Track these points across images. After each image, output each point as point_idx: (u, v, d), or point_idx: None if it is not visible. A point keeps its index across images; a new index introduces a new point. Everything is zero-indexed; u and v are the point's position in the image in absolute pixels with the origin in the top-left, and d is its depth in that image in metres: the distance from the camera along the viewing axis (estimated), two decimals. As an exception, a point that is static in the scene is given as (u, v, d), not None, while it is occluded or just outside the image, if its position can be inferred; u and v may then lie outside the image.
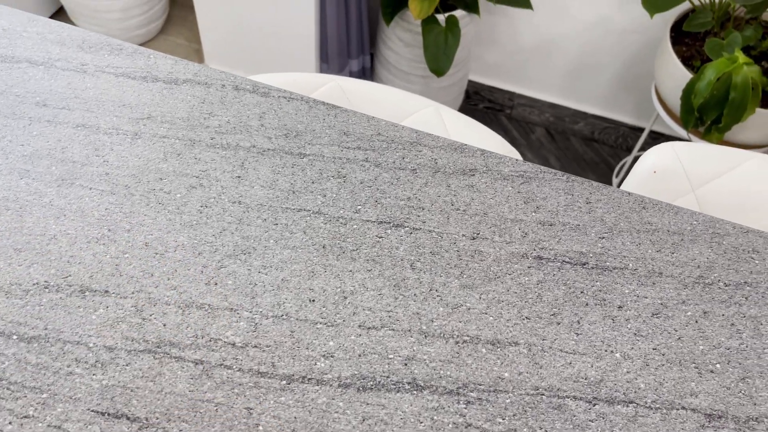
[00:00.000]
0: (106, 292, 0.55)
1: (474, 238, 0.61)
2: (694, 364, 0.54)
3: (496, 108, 2.19)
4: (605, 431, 0.50)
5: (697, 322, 0.57)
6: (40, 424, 0.48)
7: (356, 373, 0.52)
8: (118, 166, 0.64)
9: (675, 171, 0.86)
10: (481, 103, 2.18)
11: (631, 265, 0.60)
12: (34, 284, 0.55)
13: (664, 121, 1.48)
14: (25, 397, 0.49)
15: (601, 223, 0.63)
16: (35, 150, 0.64)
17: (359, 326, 0.55)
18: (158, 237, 0.59)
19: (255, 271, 0.58)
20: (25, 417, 0.48)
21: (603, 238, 0.62)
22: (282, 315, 0.55)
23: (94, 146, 0.65)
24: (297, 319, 0.55)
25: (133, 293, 0.55)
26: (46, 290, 0.55)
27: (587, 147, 2.14)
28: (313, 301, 0.56)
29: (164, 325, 0.54)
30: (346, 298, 0.56)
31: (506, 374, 0.53)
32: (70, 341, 0.52)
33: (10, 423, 0.48)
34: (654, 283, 0.59)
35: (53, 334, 0.53)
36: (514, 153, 0.85)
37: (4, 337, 0.52)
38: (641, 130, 1.99)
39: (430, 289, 0.57)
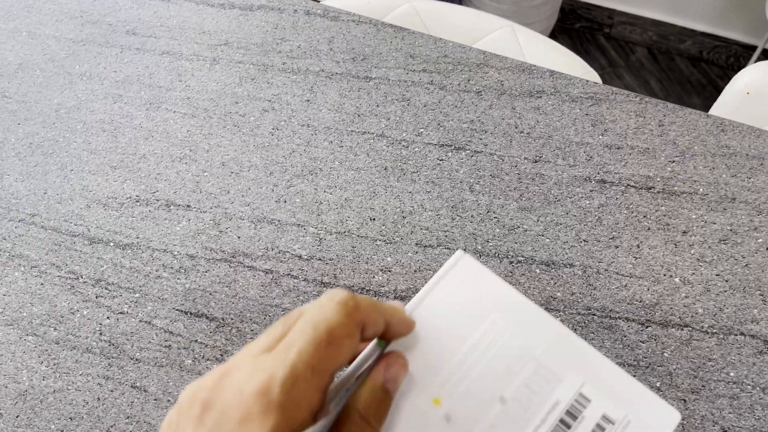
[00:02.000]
0: (188, 206, 0.61)
1: (536, 161, 0.61)
2: (759, 292, 0.53)
3: (594, 27, 2.06)
4: (656, 352, 0.51)
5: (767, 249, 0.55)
6: (133, 320, 0.55)
7: (411, 286, 0.55)
8: (198, 90, 0.68)
9: (772, 92, 0.80)
10: (577, 23, 2.06)
11: (701, 189, 0.58)
12: (127, 198, 0.62)
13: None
14: (121, 296, 0.57)
15: (672, 147, 0.61)
16: (126, 76, 0.70)
17: (416, 244, 0.57)
18: (234, 157, 0.63)
19: (321, 190, 0.61)
20: (121, 313, 0.56)
21: (673, 162, 0.60)
22: (344, 231, 0.58)
23: (177, 72, 0.70)
24: (358, 235, 0.58)
25: (211, 208, 0.61)
26: (138, 203, 0.61)
27: (694, 68, 1.98)
28: (374, 219, 0.59)
29: (239, 237, 0.59)
30: (404, 217, 0.59)
31: (558, 294, 0.54)
32: (158, 249, 0.59)
33: (108, 318, 0.56)
34: (725, 209, 0.57)
35: (144, 243, 0.59)
36: (592, 74, 0.82)
37: (103, 243, 0.59)
38: (754, 48, 1.81)
39: (488, 211, 0.59)
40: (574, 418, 0.33)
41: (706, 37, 1.93)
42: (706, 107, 1.80)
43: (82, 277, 0.58)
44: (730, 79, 1.85)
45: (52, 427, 0.51)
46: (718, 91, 1.86)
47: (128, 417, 0.51)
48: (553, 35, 2.05)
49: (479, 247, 0.57)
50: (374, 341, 0.33)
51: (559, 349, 0.35)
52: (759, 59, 1.77)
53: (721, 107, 0.82)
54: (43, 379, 0.53)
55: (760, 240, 0.55)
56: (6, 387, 0.53)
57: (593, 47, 2.07)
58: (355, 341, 0.29)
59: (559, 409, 0.33)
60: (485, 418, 0.33)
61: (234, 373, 0.27)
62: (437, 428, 0.33)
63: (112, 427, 0.51)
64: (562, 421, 0.33)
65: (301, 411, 0.27)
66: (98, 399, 0.52)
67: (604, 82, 1.85)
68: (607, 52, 2.07)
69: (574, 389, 0.34)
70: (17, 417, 0.52)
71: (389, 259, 0.57)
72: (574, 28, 2.07)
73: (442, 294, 0.37)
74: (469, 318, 0.36)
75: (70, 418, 0.51)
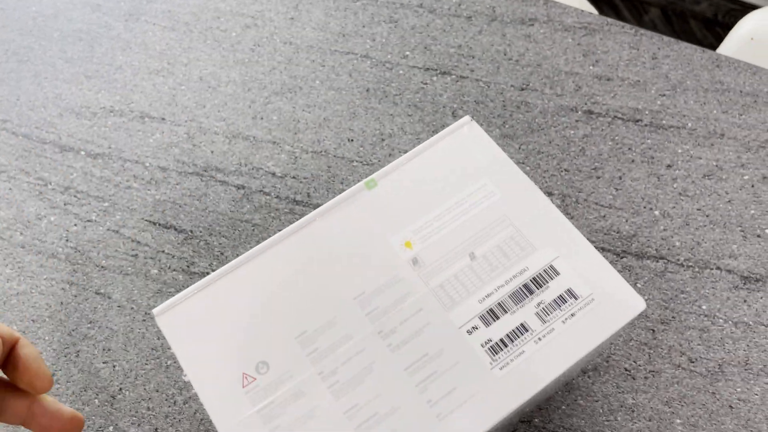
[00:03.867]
0: (163, 119, 0.59)
1: (523, 89, 0.59)
2: (740, 228, 0.51)
3: (605, -17, 2.01)
4: (628, 282, 0.50)
5: (753, 186, 0.53)
6: (100, 228, 0.54)
7: (385, 207, 0.54)
8: (180, 3, 0.66)
9: (776, 38, 0.77)
10: (588, -21, 2.01)
11: (690, 124, 0.56)
12: (101, 108, 0.60)
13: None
14: (89, 204, 0.55)
15: (664, 80, 0.59)
16: (106, -14, 0.68)
17: (393, 165, 0.56)
18: (212, 72, 0.62)
19: (299, 108, 0.59)
20: (89, 221, 0.55)
21: (664, 95, 0.58)
22: (321, 151, 0.57)
23: (159, -16, 0.67)
24: (335, 155, 0.57)
25: (186, 122, 0.59)
26: (111, 114, 0.60)
27: (708, 31, 1.93)
28: (352, 140, 0.57)
29: (212, 152, 0.57)
30: (383, 140, 0.57)
31: (534, 221, 0.53)
32: (130, 159, 0.57)
33: (75, 225, 0.55)
34: (712, 144, 0.55)
35: (116, 153, 0.58)
36: (591, 10, 0.79)
37: (74, 152, 0.58)
38: (770, 11, 1.76)
39: (469, 136, 0.57)
40: (539, 286, 0.33)
41: (721, -1, 1.87)
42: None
43: (50, 184, 0.56)
44: (740, 42, 1.81)
45: (15, 327, 0.51)
46: (728, 54, 1.81)
47: (90, 322, 0.50)
48: (563, -9, 2.00)
49: (457, 172, 0.55)
50: None
51: (541, 223, 0.35)
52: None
53: (724, 52, 0.79)
54: (7, 281, 0.52)
55: (746, 177, 0.54)
56: (-30, 288, 0.53)
57: (606, 6, 2.02)
58: None
59: (526, 275, 0.34)
60: (450, 268, 0.34)
61: None
62: (402, 269, 0.34)
63: (73, 330, 0.50)
64: (525, 286, 0.33)
65: None
66: (61, 303, 0.51)
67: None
68: (619, 11, 2.02)
69: (545, 260, 0.34)
70: (-20, 317, 0.51)
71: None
72: (585, -15, 2.02)
73: (442, 151, 0.37)
74: (461, 176, 0.36)
75: (32, 320, 0.51)
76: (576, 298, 0.32)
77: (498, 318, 0.32)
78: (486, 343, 0.32)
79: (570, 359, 0.31)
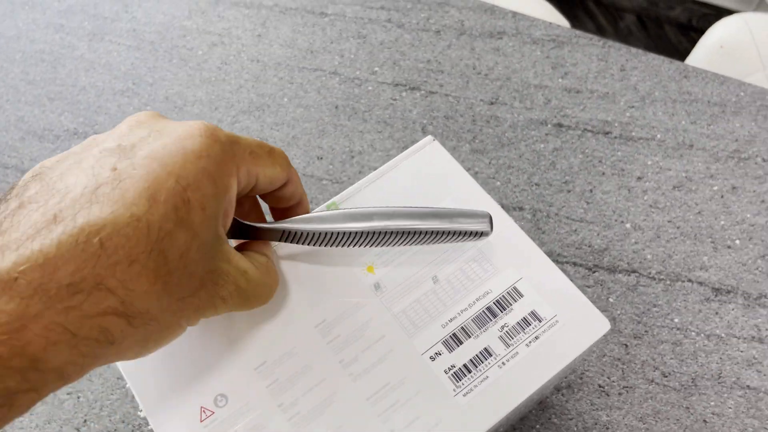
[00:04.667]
0: (128, 140, 0.58)
1: (492, 103, 0.59)
2: (710, 239, 0.51)
3: (581, -8, 2.03)
4: (601, 297, 0.49)
5: (722, 197, 0.53)
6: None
7: (355, 226, 0.53)
8: (145, 22, 0.65)
9: (745, 45, 0.78)
10: (564, -13, 2.02)
11: (659, 135, 0.56)
12: (64, 130, 0.59)
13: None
14: (53, 228, 0.54)
15: (633, 92, 0.59)
16: (70, 6, 0.67)
17: (363, 183, 0.55)
18: (178, 91, 0.61)
19: (267, 127, 0.58)
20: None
21: (633, 107, 0.58)
22: (290, 169, 0.56)
23: (124, 3, 0.66)
24: (304, 174, 0.56)
25: (151, 143, 0.58)
26: (75, 136, 0.59)
27: (683, 36, 1.95)
28: (321, 158, 0.57)
29: (179, 173, 0.56)
30: (353, 157, 0.57)
31: (506, 237, 0.52)
32: (94, 183, 0.56)
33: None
34: (681, 156, 0.55)
35: (79, 176, 0.57)
36: (562, 21, 0.80)
37: (37, 176, 0.57)
38: (741, 17, 1.79)
39: (439, 152, 0.56)
40: (503, 308, 0.32)
41: (695, 4, 1.90)
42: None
43: (12, 210, 0.55)
44: (714, 48, 1.83)
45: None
46: (702, 60, 1.84)
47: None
48: None
49: (427, 189, 0.55)
50: None
51: (504, 243, 0.34)
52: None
53: (694, 61, 0.80)
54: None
55: (716, 188, 0.54)
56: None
57: (582, 12, 2.04)
58: (281, 175, 0.30)
59: (489, 297, 0.33)
60: (413, 293, 0.33)
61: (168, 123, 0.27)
62: (364, 295, 0.34)
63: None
64: (489, 309, 0.33)
65: (231, 168, 0.26)
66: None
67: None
68: (595, 17, 2.04)
69: (509, 282, 0.33)
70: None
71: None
72: (562, -7, 2.04)
73: (404, 171, 0.37)
74: (424, 197, 0.36)
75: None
76: (540, 321, 0.32)
77: (461, 343, 0.32)
78: (449, 369, 0.31)
79: (535, 383, 0.31)
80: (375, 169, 0.56)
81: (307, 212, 0.34)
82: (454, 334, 0.32)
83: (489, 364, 0.31)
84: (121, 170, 0.23)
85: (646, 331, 0.48)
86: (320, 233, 0.31)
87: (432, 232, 0.31)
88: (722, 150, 0.55)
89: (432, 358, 0.31)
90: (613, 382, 0.46)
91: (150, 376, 0.32)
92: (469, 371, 0.31)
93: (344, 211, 0.31)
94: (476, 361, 0.31)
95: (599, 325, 0.32)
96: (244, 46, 0.63)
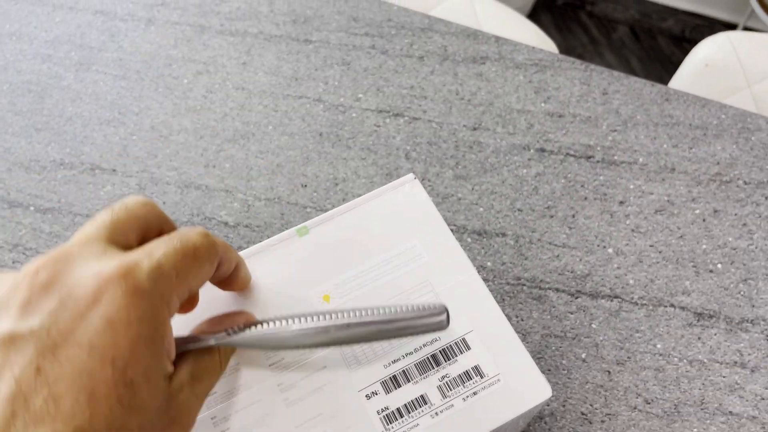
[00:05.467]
0: (114, 170, 0.59)
1: (475, 129, 0.59)
2: (692, 263, 0.52)
3: (576, 4, 2.04)
4: (584, 323, 0.50)
5: (704, 220, 0.53)
6: (50, 285, 0.53)
7: (338, 255, 0.53)
8: (131, 52, 0.66)
9: (729, 64, 0.78)
10: None
11: (641, 159, 0.57)
12: (51, 161, 0.59)
13: (759, 16, 1.33)
14: (38, 260, 0.54)
15: (615, 116, 0.59)
16: (57, 36, 0.67)
17: (346, 211, 0.55)
18: (164, 120, 0.61)
19: (252, 155, 0.59)
20: (38, 278, 0.54)
21: (615, 131, 0.58)
22: (274, 198, 0.57)
23: (111, 32, 0.67)
24: (288, 202, 0.56)
25: (137, 172, 0.58)
26: (61, 167, 0.59)
27: (676, 47, 1.96)
28: (305, 186, 0.57)
29: (164, 203, 0.57)
30: (337, 184, 0.57)
31: (489, 263, 0.53)
32: (80, 213, 0.57)
33: (24, 282, 0.53)
34: (663, 179, 0.55)
35: (65, 207, 0.57)
36: (548, 44, 0.80)
37: (23, 207, 0.57)
38: (736, 27, 1.80)
39: (423, 179, 0.57)
40: (448, 358, 0.33)
41: (688, 15, 1.91)
42: (682, 88, 1.79)
43: (-2, 242, 0.55)
44: (706, 59, 1.83)
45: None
46: (694, 71, 1.84)
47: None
48: (535, 11, 2.03)
49: (411, 216, 0.55)
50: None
51: (463, 294, 0.34)
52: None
53: (679, 80, 0.80)
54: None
55: (697, 211, 0.54)
56: None
57: (575, 24, 2.05)
58: (212, 270, 0.27)
59: (435, 345, 0.33)
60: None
61: (81, 256, 0.24)
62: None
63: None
64: (433, 356, 0.33)
65: (164, 311, 0.24)
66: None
67: (585, 60, 1.83)
68: (588, 30, 2.05)
69: (458, 333, 0.33)
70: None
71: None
72: (557, 5, 2.05)
73: (380, 207, 0.37)
74: (393, 235, 0.36)
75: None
76: (482, 377, 0.32)
77: (400, 386, 0.32)
78: (383, 410, 0.31)
79: None
80: (359, 195, 0.56)
81: (247, 274, 0.33)
82: (394, 376, 0.32)
83: (422, 411, 0.31)
84: (48, 371, 0.20)
85: (628, 357, 0.48)
86: (273, 346, 0.30)
87: (388, 336, 0.30)
88: (704, 173, 0.56)
89: (368, 397, 0.31)
90: (596, 409, 0.46)
91: None
92: (402, 416, 0.31)
93: (299, 328, 0.29)
94: (410, 407, 0.31)
95: (541, 390, 0.32)
96: (229, 74, 0.64)
